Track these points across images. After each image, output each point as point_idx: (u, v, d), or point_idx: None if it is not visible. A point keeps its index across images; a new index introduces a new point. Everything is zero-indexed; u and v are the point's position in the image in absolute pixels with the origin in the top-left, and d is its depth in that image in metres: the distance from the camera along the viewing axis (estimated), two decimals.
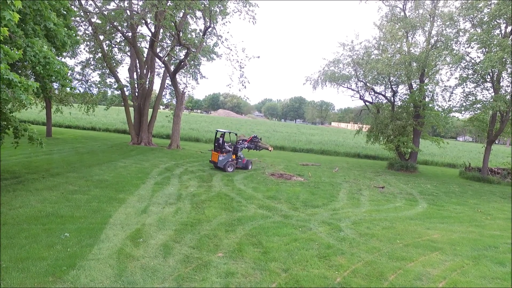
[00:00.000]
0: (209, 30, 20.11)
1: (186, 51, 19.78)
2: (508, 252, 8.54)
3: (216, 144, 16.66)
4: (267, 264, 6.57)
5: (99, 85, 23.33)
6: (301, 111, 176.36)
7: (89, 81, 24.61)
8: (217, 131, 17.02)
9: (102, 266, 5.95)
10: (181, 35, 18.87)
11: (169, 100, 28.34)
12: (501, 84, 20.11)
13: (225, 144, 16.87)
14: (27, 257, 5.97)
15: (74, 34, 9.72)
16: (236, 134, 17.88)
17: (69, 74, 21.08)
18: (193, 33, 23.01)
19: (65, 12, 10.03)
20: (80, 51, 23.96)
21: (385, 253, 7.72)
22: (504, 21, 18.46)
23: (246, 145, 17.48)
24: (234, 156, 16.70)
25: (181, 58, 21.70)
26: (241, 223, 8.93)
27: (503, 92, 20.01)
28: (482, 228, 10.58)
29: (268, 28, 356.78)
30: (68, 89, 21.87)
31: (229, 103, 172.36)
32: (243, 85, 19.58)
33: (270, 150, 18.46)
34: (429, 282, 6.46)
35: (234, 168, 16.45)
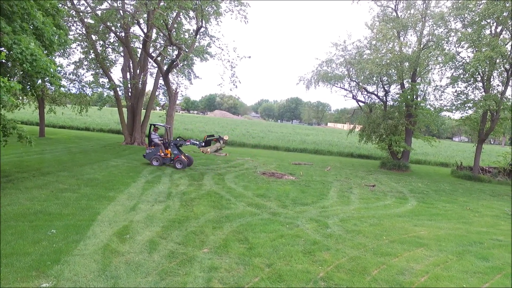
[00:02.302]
0: (201, 30, 20.18)
1: (177, 51, 19.81)
2: (493, 247, 8.64)
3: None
4: (251, 260, 6.63)
5: (92, 85, 23.32)
6: (297, 111, 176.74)
7: (82, 81, 24.59)
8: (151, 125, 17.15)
9: (86, 261, 5.99)
10: (174, 35, 18.92)
11: (164, 101, 28.30)
12: (491, 83, 20.30)
13: (157, 138, 16.69)
14: (12, 253, 6.00)
15: (64, 34, 9.76)
16: (168, 128, 17.53)
17: (61, 74, 21.09)
18: (186, 33, 23.08)
19: (55, 13, 10.08)
20: (73, 51, 23.97)
21: (370, 249, 7.79)
22: (494, 21, 18.65)
23: (190, 143, 16.37)
24: (168, 151, 16.37)
25: (174, 58, 21.73)
26: (229, 220, 8.99)
27: (495, 91, 20.19)
28: (469, 225, 10.69)
29: (265, 28, 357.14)
30: (62, 89, 21.99)
31: (225, 104, 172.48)
32: (234, 84, 19.67)
33: (203, 152, 16.17)
34: (412, 276, 6.54)
35: (160, 162, 16.08)
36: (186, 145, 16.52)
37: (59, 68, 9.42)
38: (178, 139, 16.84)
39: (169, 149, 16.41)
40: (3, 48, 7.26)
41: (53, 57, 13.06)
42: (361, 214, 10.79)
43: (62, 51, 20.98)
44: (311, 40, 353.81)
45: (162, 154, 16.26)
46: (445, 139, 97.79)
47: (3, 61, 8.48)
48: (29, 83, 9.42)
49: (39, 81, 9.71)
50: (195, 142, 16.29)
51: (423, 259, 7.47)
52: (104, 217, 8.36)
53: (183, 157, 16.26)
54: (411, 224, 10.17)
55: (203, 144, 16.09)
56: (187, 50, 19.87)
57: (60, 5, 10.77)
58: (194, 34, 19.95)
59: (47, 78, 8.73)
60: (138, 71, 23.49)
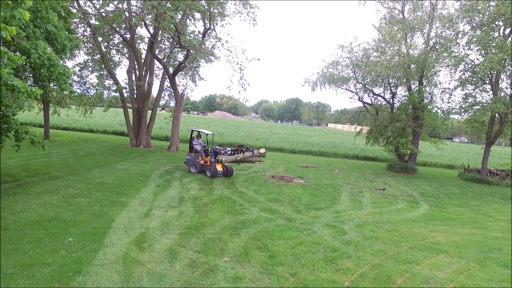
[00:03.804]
0: (208, 32, 20.11)
1: (186, 53, 19.69)
2: None
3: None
4: (274, 268, 6.51)
5: (97, 87, 23.19)
6: (297, 112, 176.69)
7: (87, 83, 24.49)
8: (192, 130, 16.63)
9: (108, 271, 5.86)
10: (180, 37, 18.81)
11: (167, 102, 28.12)
12: (500, 86, 20.20)
13: (197, 144, 16.05)
14: (31, 263, 5.87)
15: (76, 38, 9.65)
16: (206, 135, 16.44)
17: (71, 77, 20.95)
18: (191, 35, 23.00)
19: (65, 15, 9.97)
20: (78, 52, 23.84)
21: (391, 256, 7.68)
22: (503, 22, 18.56)
23: (224, 151, 15.63)
24: (207, 159, 15.53)
25: (180, 60, 21.63)
26: (245, 226, 8.87)
27: (502, 94, 20.09)
28: (484, 230, 10.58)
29: (263, 29, 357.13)
30: (66, 92, 21.84)
31: (225, 105, 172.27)
32: (243, 87, 19.53)
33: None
34: (437, 285, 6.44)
35: (198, 170, 15.41)
36: (221, 153, 15.53)
37: (72, 75, 9.30)
38: (217, 147, 16.13)
39: (209, 157, 15.58)
40: (17, 53, 7.13)
41: (62, 61, 12.91)
42: (375, 219, 10.67)
43: (69, 54, 20.87)
44: (311, 41, 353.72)
45: (202, 161, 15.51)
46: (445, 140, 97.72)
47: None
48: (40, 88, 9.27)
49: (52, 85, 9.54)
50: (228, 150, 15.61)
51: (445, 266, 7.37)
52: (119, 224, 8.22)
53: (218, 166, 15.12)
54: (427, 230, 10.06)
55: (229, 152, 15.52)
56: (192, 52, 19.77)
57: (72, 8, 10.61)
58: (201, 36, 19.85)
59: (59, 85, 8.59)
60: (143, 72, 23.35)
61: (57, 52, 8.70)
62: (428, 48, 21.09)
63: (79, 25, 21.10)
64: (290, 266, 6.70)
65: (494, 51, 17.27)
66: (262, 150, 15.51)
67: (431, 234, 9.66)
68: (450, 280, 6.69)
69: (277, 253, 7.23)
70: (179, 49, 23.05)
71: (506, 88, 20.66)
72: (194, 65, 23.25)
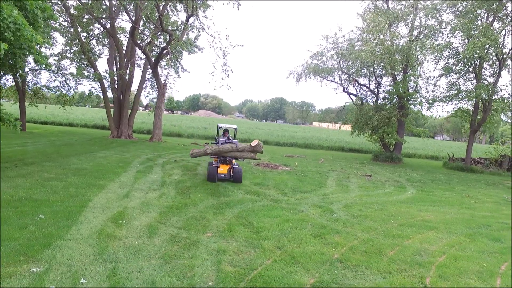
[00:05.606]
0: (191, 20, 19.66)
1: (168, 37, 19.14)
2: (502, 229, 8.45)
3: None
4: (260, 242, 6.17)
5: (76, 77, 22.35)
6: (282, 111, 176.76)
7: (66, 73, 23.63)
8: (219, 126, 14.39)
9: (80, 245, 5.40)
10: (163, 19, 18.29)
11: (150, 94, 27.29)
12: (482, 74, 20.33)
13: (221, 142, 12.95)
14: None
15: (51, 10, 9.04)
16: (220, 128, 14.26)
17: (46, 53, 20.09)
18: (174, 25, 22.51)
19: None
20: (56, 41, 23.03)
21: (381, 232, 7.45)
22: (485, 11, 18.67)
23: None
24: (215, 159, 12.72)
25: (164, 46, 21.02)
26: (229, 206, 8.50)
27: (486, 82, 20.22)
28: (473, 210, 10.52)
29: (247, 27, 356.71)
30: (40, 84, 21.02)
31: (209, 104, 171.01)
32: (226, 73, 19.05)
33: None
34: (429, 256, 6.22)
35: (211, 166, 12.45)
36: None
37: (46, 45, 8.71)
38: (223, 141, 12.94)
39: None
40: None
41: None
42: (363, 201, 10.47)
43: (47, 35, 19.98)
44: (295, 38, 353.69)
45: (215, 159, 12.43)
46: (427, 138, 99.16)
47: None
48: (10, 60, 8.64)
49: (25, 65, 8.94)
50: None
51: (436, 240, 7.19)
52: (96, 203, 7.74)
53: (223, 167, 11.75)
54: (415, 210, 9.92)
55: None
56: (175, 40, 19.26)
57: None
58: (185, 21, 19.37)
59: (32, 55, 8.01)
60: (124, 62, 22.67)
61: (30, 24, 8.10)
62: (413, 38, 21.09)
63: (56, 13, 20.28)
64: (277, 240, 6.38)
65: (478, 39, 17.32)
66: (254, 143, 11.51)
67: (420, 213, 9.50)
68: (442, 252, 6.50)
69: (263, 229, 6.89)
70: (160, 38, 22.52)
71: (489, 77, 20.83)
72: (177, 52, 22.69)
